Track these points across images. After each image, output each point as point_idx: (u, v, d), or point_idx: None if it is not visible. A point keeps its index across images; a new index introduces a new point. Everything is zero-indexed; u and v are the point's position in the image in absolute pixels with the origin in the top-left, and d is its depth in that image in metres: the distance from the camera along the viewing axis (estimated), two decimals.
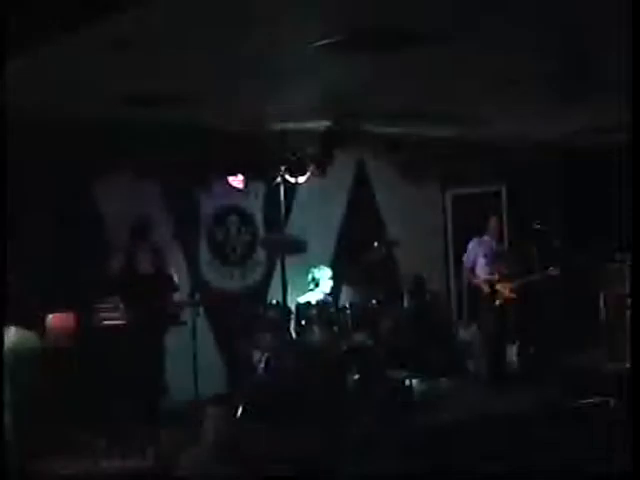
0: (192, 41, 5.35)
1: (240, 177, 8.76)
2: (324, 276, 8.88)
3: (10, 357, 6.07)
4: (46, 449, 6.45)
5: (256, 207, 9.54)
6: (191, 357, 7.44)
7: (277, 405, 7.30)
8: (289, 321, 8.45)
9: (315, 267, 8.92)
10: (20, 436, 6.12)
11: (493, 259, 9.37)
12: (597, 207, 10.77)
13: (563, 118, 9.09)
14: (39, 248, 7.54)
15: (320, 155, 8.95)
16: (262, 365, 8.04)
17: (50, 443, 6.49)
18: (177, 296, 7.81)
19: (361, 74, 6.59)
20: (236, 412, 7.40)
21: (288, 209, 9.03)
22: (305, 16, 4.95)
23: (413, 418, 7.54)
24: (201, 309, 8.07)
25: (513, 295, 9.23)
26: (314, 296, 8.71)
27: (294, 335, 8.47)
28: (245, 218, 9.50)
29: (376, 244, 9.03)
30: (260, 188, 9.39)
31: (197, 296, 8.38)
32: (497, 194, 11.21)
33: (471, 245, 9.53)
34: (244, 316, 8.58)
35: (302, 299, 8.68)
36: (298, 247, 8.53)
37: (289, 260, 8.45)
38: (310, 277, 8.86)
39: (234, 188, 8.81)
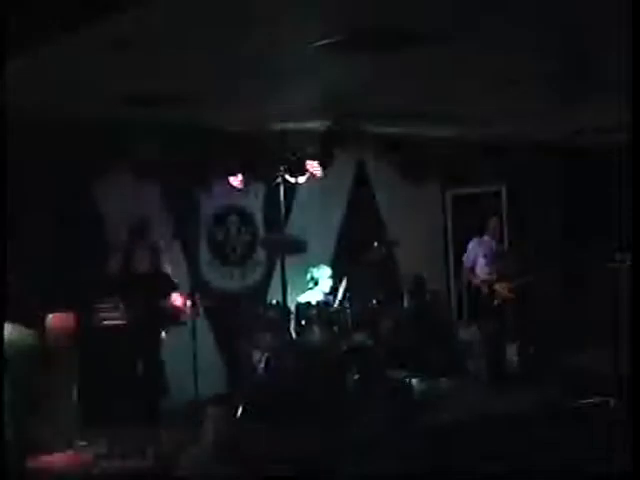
0: (192, 41, 5.35)
1: (240, 177, 8.75)
2: (324, 276, 8.88)
3: (10, 357, 6.07)
4: (46, 449, 6.45)
5: (256, 207, 9.53)
6: (191, 357, 7.44)
7: (277, 405, 7.30)
8: (289, 321, 8.45)
9: (315, 267, 8.93)
10: (20, 436, 6.12)
11: (493, 259, 9.38)
12: (597, 207, 10.77)
13: (563, 118, 9.09)
14: (39, 248, 7.54)
15: (320, 155, 8.94)
16: (262, 365, 8.04)
17: (50, 443, 6.49)
18: (177, 296, 7.80)
19: (361, 74, 6.59)
20: (236, 412, 7.40)
21: (288, 209, 9.03)
22: (305, 16, 4.95)
23: (413, 418, 7.54)
24: (201, 309, 8.07)
25: (513, 295, 9.23)
26: (314, 296, 8.72)
27: (294, 335, 8.47)
28: (245, 218, 9.50)
29: (376, 244, 9.02)
30: (260, 188, 9.39)
31: (197, 296, 8.37)
32: (497, 194, 11.21)
33: (471, 245, 9.54)
34: (244, 316, 8.58)
35: (302, 299, 8.68)
36: (298, 247, 8.54)
37: (289, 260, 8.46)
38: (310, 277, 8.87)
39: (234, 188, 8.81)
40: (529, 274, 9.26)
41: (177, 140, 8.29)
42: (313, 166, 8.84)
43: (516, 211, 10.93)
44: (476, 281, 9.45)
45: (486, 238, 9.48)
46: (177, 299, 7.62)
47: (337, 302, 8.72)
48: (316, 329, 8.33)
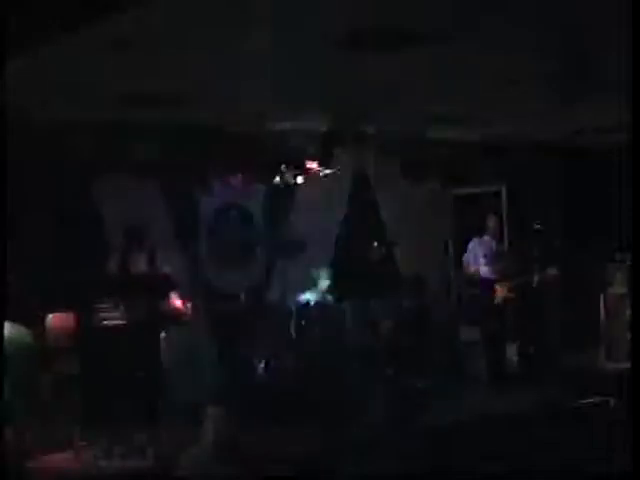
0: (192, 41, 5.35)
1: (240, 177, 8.75)
2: (324, 276, 8.88)
3: (9, 356, 6.07)
4: (46, 449, 6.45)
5: (256, 207, 9.53)
6: (191, 357, 7.44)
7: (277, 405, 7.31)
8: (289, 321, 8.45)
9: (315, 267, 8.93)
10: (20, 436, 6.12)
11: (493, 259, 9.37)
12: (597, 207, 10.77)
13: (563, 118, 9.09)
14: (39, 248, 7.54)
15: (320, 155, 8.94)
16: (262, 365, 8.04)
17: (50, 443, 6.49)
18: (177, 296, 7.80)
19: (361, 74, 6.59)
20: (236, 412, 7.40)
21: (288, 209, 9.03)
22: (305, 16, 4.95)
23: (413, 418, 7.54)
24: (201, 309, 8.07)
25: (513, 295, 9.22)
26: (314, 296, 8.72)
27: (294, 335, 8.47)
28: (245, 218, 9.50)
29: (376, 244, 9.02)
30: (260, 188, 9.39)
31: (197, 296, 8.37)
32: (497, 194, 11.21)
33: (471, 245, 9.53)
34: (244, 316, 8.58)
35: (302, 299, 8.68)
36: (298, 247, 8.54)
37: (289, 260, 8.45)
38: (310, 277, 8.86)
39: (234, 188, 8.81)
40: (528, 274, 9.26)
41: (177, 140, 8.28)
42: (313, 166, 8.84)
43: (516, 211, 10.92)
44: (477, 281, 9.44)
45: (486, 238, 9.47)
46: (177, 299, 7.63)
47: (336, 302, 8.72)
48: (316, 329, 8.33)
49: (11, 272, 6.11)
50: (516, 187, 11.13)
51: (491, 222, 9.48)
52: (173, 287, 7.72)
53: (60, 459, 6.45)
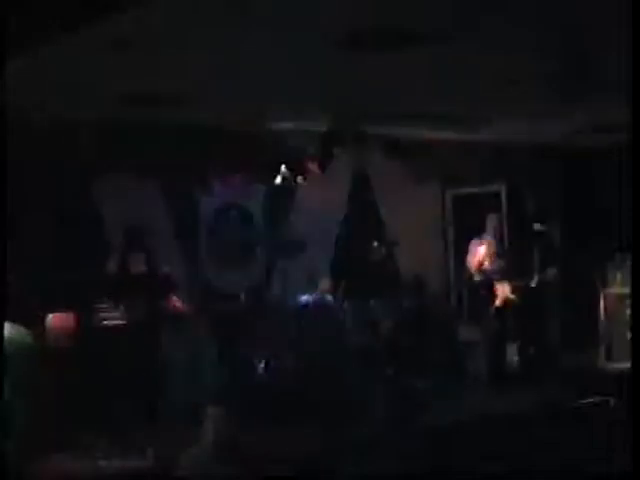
0: (192, 41, 5.35)
1: (240, 177, 8.75)
2: (324, 276, 8.88)
3: (9, 357, 6.07)
4: (46, 449, 6.44)
5: (256, 207, 9.53)
6: (191, 357, 7.44)
7: (277, 405, 7.31)
8: (289, 321, 8.45)
9: (315, 267, 8.93)
10: (19, 436, 6.12)
11: (493, 259, 9.37)
12: (597, 207, 10.77)
13: (563, 118, 9.09)
14: (39, 248, 7.54)
15: (320, 155, 8.95)
16: (262, 365, 8.04)
17: (50, 443, 6.48)
18: (177, 296, 7.80)
19: (361, 74, 6.59)
20: (236, 412, 7.40)
21: (288, 209, 9.03)
22: (305, 16, 4.95)
23: (413, 418, 7.54)
24: (201, 309, 8.07)
25: (513, 295, 9.22)
26: (314, 296, 8.71)
27: (294, 335, 8.47)
28: (245, 218, 9.50)
29: (376, 244, 9.02)
30: (260, 188, 9.39)
31: (197, 296, 8.38)
32: (497, 194, 11.21)
33: (471, 245, 9.52)
34: (244, 316, 8.58)
35: (302, 299, 8.68)
36: (298, 247, 8.54)
37: (289, 260, 8.45)
38: (310, 277, 8.86)
39: (234, 188, 8.81)
40: (529, 274, 9.25)
41: (177, 140, 8.28)
42: (313, 166, 8.84)
43: (516, 211, 10.92)
44: (477, 281, 9.44)
45: (487, 238, 9.46)
46: (177, 299, 7.63)
47: (337, 302, 8.72)
48: (315, 329, 8.33)
49: (11, 272, 6.10)
50: (516, 187, 11.13)
51: (491, 222, 9.48)
52: (173, 287, 7.72)
53: (60, 459, 6.45)
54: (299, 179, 8.97)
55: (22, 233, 7.18)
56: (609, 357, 9.35)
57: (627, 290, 8.78)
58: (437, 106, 8.15)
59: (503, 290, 9.22)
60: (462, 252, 9.74)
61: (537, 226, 9.38)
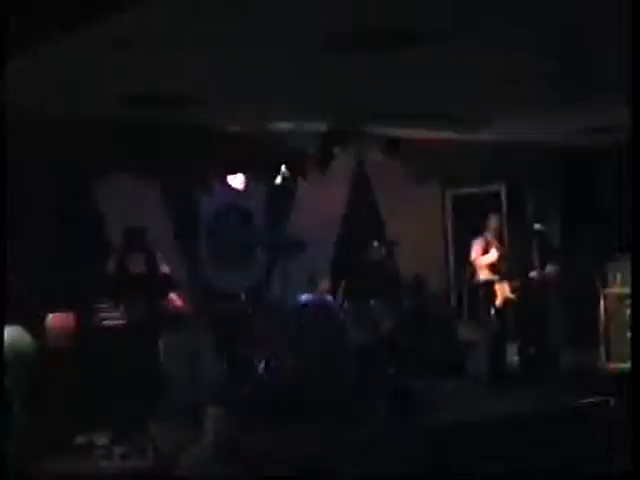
0: (192, 41, 5.35)
1: (240, 177, 8.75)
2: (324, 276, 8.88)
3: (9, 357, 6.07)
4: (46, 449, 6.45)
5: (256, 207, 9.53)
6: (191, 357, 7.44)
7: (277, 405, 7.31)
8: (289, 321, 8.45)
9: (315, 267, 8.93)
10: (19, 436, 6.12)
11: (494, 259, 9.36)
12: (597, 207, 10.77)
13: (563, 118, 9.09)
14: (39, 248, 7.54)
15: (320, 155, 8.94)
16: (262, 365, 8.04)
17: (50, 443, 6.49)
18: (177, 296, 7.80)
19: (361, 74, 6.59)
20: (236, 412, 7.40)
21: (288, 209, 9.02)
22: (305, 16, 4.95)
23: (413, 418, 7.54)
24: (201, 309, 8.07)
25: (513, 295, 9.22)
26: (314, 296, 8.71)
27: (294, 335, 8.47)
28: (245, 218, 9.50)
29: (376, 244, 9.02)
30: (260, 188, 9.39)
31: (197, 296, 8.38)
32: (497, 194, 11.21)
33: (472, 245, 9.52)
34: (244, 316, 8.58)
35: (302, 299, 8.68)
36: (297, 247, 8.54)
37: (289, 260, 8.45)
38: (310, 277, 8.86)
39: (234, 188, 8.81)
40: (529, 274, 9.25)
41: (177, 140, 8.28)
42: (313, 166, 8.84)
43: (516, 211, 10.92)
44: (477, 281, 9.44)
45: (487, 238, 9.46)
46: (177, 299, 7.63)
47: (337, 302, 8.72)
48: (315, 329, 8.33)
49: (11, 272, 6.11)
50: (516, 187, 11.14)
51: (492, 222, 9.48)
52: (173, 287, 7.72)
53: (60, 459, 6.45)
54: (299, 179, 8.96)
55: (22, 233, 7.18)
56: (609, 357, 9.35)
57: (627, 290, 8.79)
58: (437, 106, 8.14)
59: (503, 290, 9.22)
60: (462, 252, 9.74)
61: (537, 226, 9.37)
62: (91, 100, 7.02)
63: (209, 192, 9.02)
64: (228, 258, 9.37)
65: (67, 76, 6.10)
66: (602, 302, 9.59)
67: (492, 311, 9.23)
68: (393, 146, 9.62)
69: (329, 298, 8.80)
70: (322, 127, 8.91)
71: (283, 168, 8.55)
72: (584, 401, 7.46)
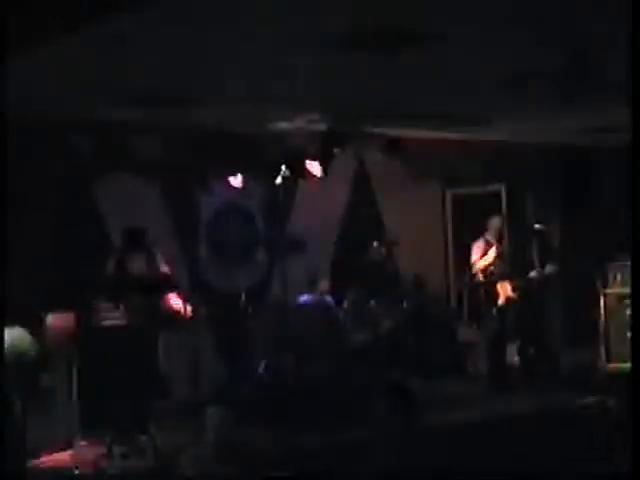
0: (192, 41, 5.35)
1: (240, 177, 8.75)
2: (323, 276, 8.88)
3: (9, 357, 6.07)
4: (46, 449, 6.45)
5: (256, 207, 9.53)
6: (191, 357, 7.44)
7: (277, 405, 7.30)
8: (289, 321, 8.45)
9: (315, 267, 8.92)
10: (20, 436, 6.12)
11: (494, 259, 9.36)
12: (597, 207, 10.77)
13: (563, 118, 9.09)
14: (39, 248, 7.54)
15: (320, 155, 8.94)
16: (262, 365, 8.04)
17: (50, 443, 6.49)
18: (176, 296, 7.80)
19: (361, 74, 6.59)
20: (236, 412, 7.40)
21: (288, 209, 9.02)
22: (305, 16, 4.95)
23: (413, 418, 7.53)
24: (201, 309, 8.07)
25: (513, 295, 9.22)
26: (314, 296, 8.71)
27: (294, 335, 8.47)
28: (245, 218, 9.50)
29: (376, 244, 9.02)
30: (260, 188, 9.39)
31: (197, 296, 8.37)
32: (497, 194, 11.21)
33: (473, 245, 9.51)
34: (244, 316, 8.57)
35: (302, 299, 8.68)
36: (297, 247, 8.54)
37: (289, 260, 8.45)
38: (310, 277, 8.86)
39: (234, 188, 8.81)
40: (529, 274, 9.25)
41: (177, 140, 8.28)
42: (313, 166, 8.84)
43: (516, 211, 10.92)
44: (477, 281, 9.43)
45: (488, 238, 9.46)
46: (177, 299, 7.62)
47: (336, 302, 8.72)
48: (316, 329, 8.33)
49: (11, 272, 6.11)
50: (516, 187, 11.13)
51: (493, 222, 9.47)
52: (173, 287, 7.71)
53: (60, 459, 6.45)
54: (299, 179, 8.96)
55: (22, 233, 7.18)
56: (609, 357, 9.34)
57: (627, 290, 8.78)
58: (437, 106, 8.14)
59: (503, 290, 9.21)
60: (462, 252, 9.74)
61: (537, 226, 9.37)
62: (91, 100, 7.02)
63: (209, 192, 9.02)
64: (228, 258, 9.37)
65: (67, 76, 6.10)
66: (602, 302, 9.58)
67: (492, 311, 9.23)
68: (393, 146, 9.62)
69: (329, 298, 8.80)
70: (322, 127, 8.91)
71: (283, 168, 8.54)
72: (584, 401, 7.45)
